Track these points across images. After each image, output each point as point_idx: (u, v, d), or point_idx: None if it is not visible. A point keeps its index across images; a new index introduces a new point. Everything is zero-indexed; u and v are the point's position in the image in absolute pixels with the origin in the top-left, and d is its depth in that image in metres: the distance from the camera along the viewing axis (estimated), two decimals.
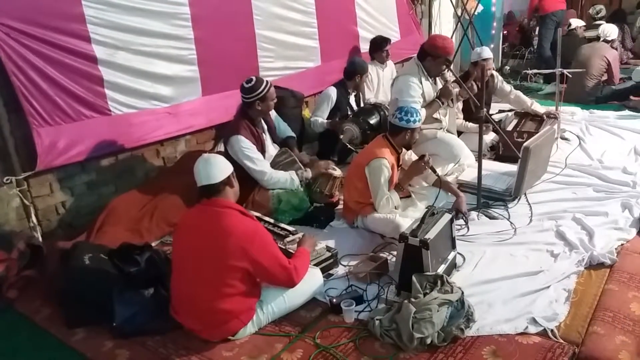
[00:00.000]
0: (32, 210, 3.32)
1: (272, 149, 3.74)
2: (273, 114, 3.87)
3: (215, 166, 2.43)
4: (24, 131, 3.22)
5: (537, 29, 7.58)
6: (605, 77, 6.02)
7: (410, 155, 3.66)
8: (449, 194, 3.56)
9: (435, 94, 4.10)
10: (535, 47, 7.59)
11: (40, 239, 3.30)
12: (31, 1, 3.10)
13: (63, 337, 2.60)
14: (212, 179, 2.41)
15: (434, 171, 3.39)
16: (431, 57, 3.96)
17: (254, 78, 3.50)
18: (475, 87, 4.24)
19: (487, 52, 4.61)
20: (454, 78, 4.17)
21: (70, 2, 3.28)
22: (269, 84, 3.51)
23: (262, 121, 3.68)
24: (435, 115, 4.16)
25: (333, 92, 4.49)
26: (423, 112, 3.95)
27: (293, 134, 4.01)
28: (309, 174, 3.64)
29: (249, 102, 3.50)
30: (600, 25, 6.54)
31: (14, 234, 3.13)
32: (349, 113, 4.59)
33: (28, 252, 3.04)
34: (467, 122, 4.59)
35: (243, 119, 3.53)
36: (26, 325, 2.73)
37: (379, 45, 5.32)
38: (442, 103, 4.04)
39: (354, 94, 4.72)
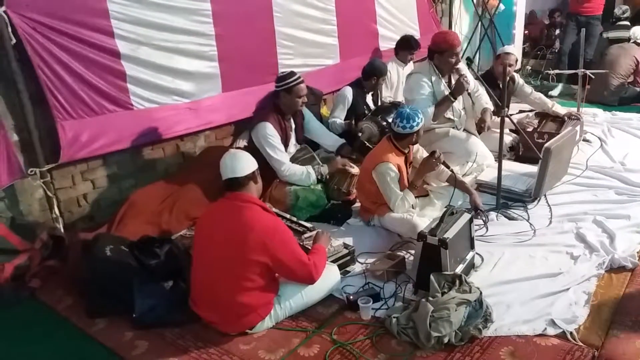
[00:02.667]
0: (55, 201, 3.38)
1: (293, 148, 3.79)
2: (311, 116, 3.95)
3: (241, 160, 2.48)
4: (49, 124, 3.28)
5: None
6: (631, 79, 5.94)
7: (422, 152, 3.63)
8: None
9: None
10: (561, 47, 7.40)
11: (62, 230, 3.36)
12: None
13: (84, 327, 2.65)
14: (237, 173, 2.45)
15: (447, 166, 3.37)
16: (437, 53, 3.95)
17: (289, 70, 3.65)
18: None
19: (509, 47, 4.68)
20: (467, 71, 4.10)
21: None
22: (299, 80, 3.59)
23: (292, 119, 3.71)
24: (448, 115, 4.12)
25: (349, 92, 4.49)
26: (431, 110, 3.91)
27: (343, 141, 4.03)
28: (325, 169, 3.66)
29: (277, 92, 3.59)
30: (625, 25, 6.45)
31: (37, 225, 3.19)
32: (366, 112, 4.58)
33: (50, 242, 3.10)
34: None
35: (274, 110, 3.59)
36: (48, 315, 2.79)
37: (410, 46, 5.23)
38: (454, 99, 3.98)
39: (371, 92, 4.71)
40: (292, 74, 3.59)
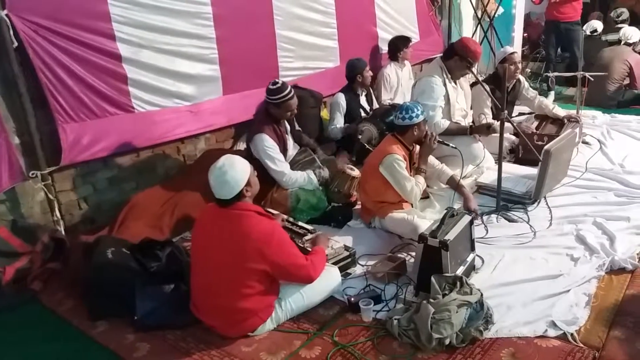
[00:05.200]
0: (56, 204, 3.38)
1: (292, 149, 3.79)
2: None
3: (227, 184, 2.38)
4: (50, 127, 3.29)
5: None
6: (627, 81, 5.95)
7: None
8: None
9: (457, 97, 4.09)
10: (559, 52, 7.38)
11: (63, 232, 3.36)
12: None
13: (85, 329, 2.65)
14: (225, 195, 2.40)
15: (446, 144, 3.47)
16: (459, 57, 3.97)
17: (279, 83, 3.50)
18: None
19: (510, 48, 4.72)
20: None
21: (96, 0, 3.33)
22: (287, 96, 3.47)
23: (286, 122, 3.71)
24: (457, 119, 4.14)
25: (341, 99, 4.51)
26: (444, 123, 3.96)
27: (298, 128, 4.01)
28: (326, 172, 3.67)
29: (267, 102, 3.55)
30: (622, 28, 6.46)
31: (39, 227, 3.19)
32: (362, 114, 4.60)
33: (52, 245, 3.10)
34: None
35: (268, 119, 3.57)
36: (49, 317, 2.80)
37: (398, 45, 5.34)
38: (470, 134, 4.05)
39: (364, 93, 4.72)
40: (281, 88, 3.46)
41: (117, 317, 2.66)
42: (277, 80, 3.52)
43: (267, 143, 3.48)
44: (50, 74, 3.18)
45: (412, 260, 2.96)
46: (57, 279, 3.04)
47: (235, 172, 2.39)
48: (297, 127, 3.94)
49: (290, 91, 3.51)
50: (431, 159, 3.57)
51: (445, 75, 4.02)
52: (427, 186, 3.63)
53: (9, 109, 3.14)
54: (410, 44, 5.42)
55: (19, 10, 2.99)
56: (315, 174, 3.63)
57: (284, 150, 3.62)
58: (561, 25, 6.68)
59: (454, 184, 3.49)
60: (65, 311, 2.80)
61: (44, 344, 2.59)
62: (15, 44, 3.00)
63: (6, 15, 2.94)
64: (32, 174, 3.23)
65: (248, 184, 2.44)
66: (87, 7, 3.30)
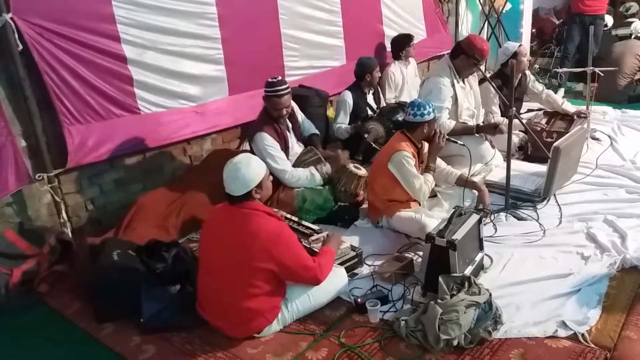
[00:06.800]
0: (63, 206, 3.39)
1: (296, 147, 3.76)
2: (302, 115, 3.91)
3: (238, 181, 2.39)
4: (56, 129, 3.29)
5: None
6: (638, 76, 5.87)
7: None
8: (475, 192, 3.50)
9: (465, 96, 4.04)
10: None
11: (70, 234, 3.37)
12: (64, 2, 3.18)
13: (92, 332, 2.65)
14: (234, 191, 2.41)
15: (454, 141, 3.44)
16: (465, 55, 3.93)
17: (278, 78, 3.49)
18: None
19: (514, 43, 4.67)
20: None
21: (100, 2, 3.34)
22: (280, 92, 3.43)
23: (287, 120, 3.69)
24: (465, 118, 4.10)
25: (348, 96, 4.48)
26: (450, 124, 3.93)
27: (317, 131, 4.00)
28: (328, 167, 3.64)
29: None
30: (632, 22, 6.38)
31: (45, 230, 3.20)
32: (369, 113, 4.57)
33: (58, 247, 3.10)
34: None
35: (268, 117, 3.55)
36: (56, 319, 2.80)
37: (401, 44, 5.30)
38: (476, 133, 4.00)
39: (371, 92, 4.69)
40: (276, 83, 3.43)
41: (124, 319, 2.66)
42: (278, 76, 3.51)
43: (267, 142, 3.47)
44: (55, 77, 3.18)
45: (420, 260, 2.92)
46: (64, 281, 3.05)
47: (248, 171, 2.40)
48: (315, 131, 3.94)
49: (282, 90, 3.44)
50: (437, 160, 3.54)
51: (453, 75, 3.98)
52: (435, 185, 3.60)
53: (15, 111, 3.14)
54: (414, 41, 5.36)
55: (24, 13, 3.00)
56: (317, 169, 3.60)
57: (285, 148, 3.60)
58: (586, 19, 6.51)
59: (464, 182, 3.45)
60: (71, 313, 2.81)
61: (50, 346, 2.60)
62: (20, 47, 3.01)
63: (11, 18, 2.94)
64: (39, 176, 3.24)
65: (259, 186, 2.44)
66: (92, 9, 3.30)
